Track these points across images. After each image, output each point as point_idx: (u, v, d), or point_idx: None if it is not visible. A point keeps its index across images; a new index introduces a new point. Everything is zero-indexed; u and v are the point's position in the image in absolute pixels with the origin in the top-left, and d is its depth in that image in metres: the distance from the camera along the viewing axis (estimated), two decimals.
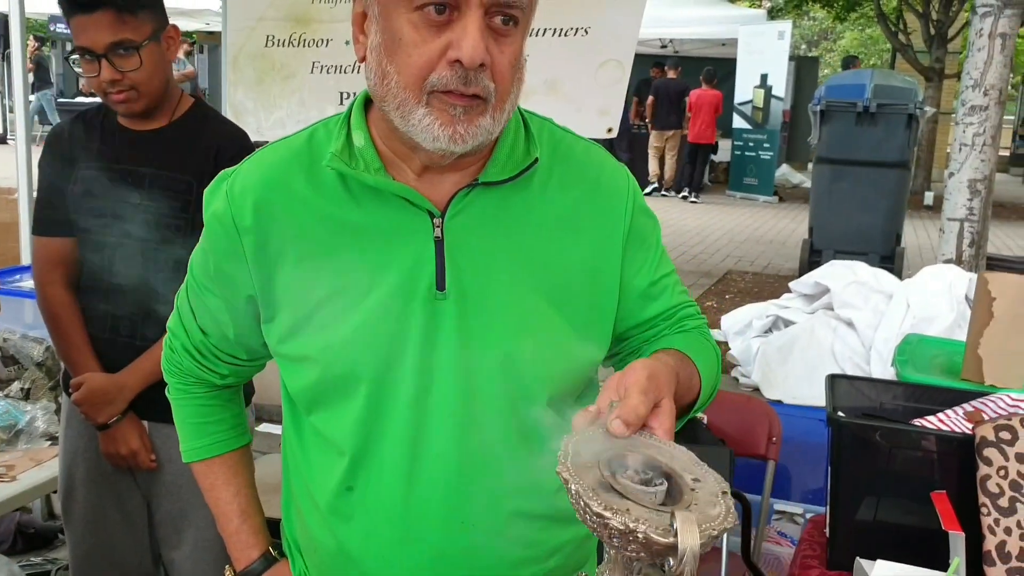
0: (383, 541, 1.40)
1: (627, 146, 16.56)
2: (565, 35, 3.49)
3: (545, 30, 3.44)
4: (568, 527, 1.44)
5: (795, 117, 18.24)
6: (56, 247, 2.45)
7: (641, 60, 16.56)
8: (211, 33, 17.36)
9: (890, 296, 4.65)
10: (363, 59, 1.31)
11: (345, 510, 1.42)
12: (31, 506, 3.97)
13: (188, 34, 17.45)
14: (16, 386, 3.10)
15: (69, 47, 2.38)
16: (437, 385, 1.33)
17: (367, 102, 1.39)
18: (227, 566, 1.65)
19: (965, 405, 2.17)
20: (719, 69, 17.07)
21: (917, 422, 2.15)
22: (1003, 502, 1.82)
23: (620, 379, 1.13)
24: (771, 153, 16.44)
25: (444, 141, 1.23)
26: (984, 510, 1.82)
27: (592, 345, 1.43)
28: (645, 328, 1.48)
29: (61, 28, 18.82)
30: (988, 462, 1.84)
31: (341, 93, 3.90)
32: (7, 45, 4.52)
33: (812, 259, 8.64)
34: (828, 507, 2.07)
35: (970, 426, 1.97)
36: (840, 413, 2.10)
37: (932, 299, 4.36)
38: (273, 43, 3.95)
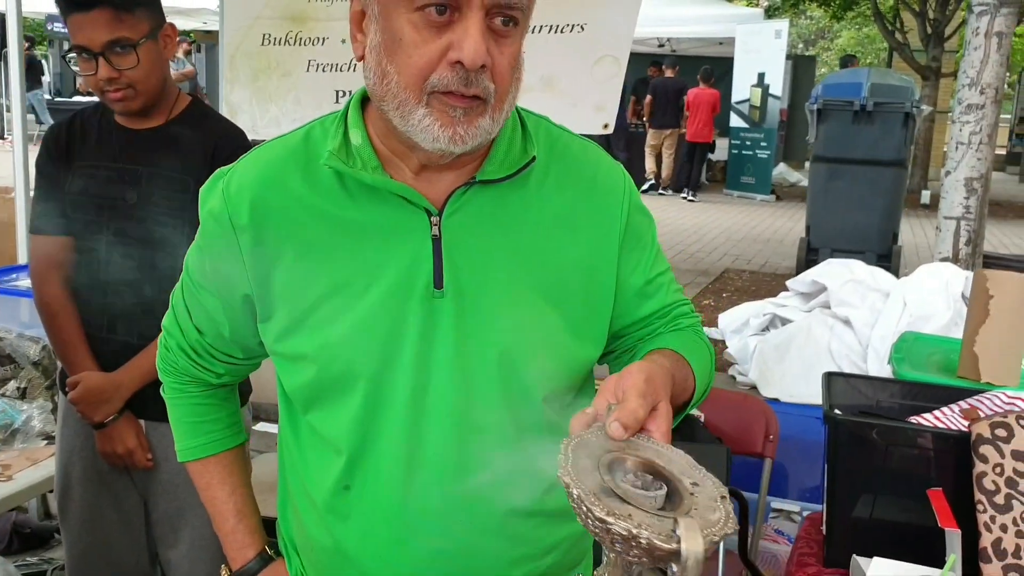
0: (380, 539, 1.40)
1: (624, 145, 16.54)
2: (561, 32, 3.49)
3: (542, 27, 3.44)
4: (564, 525, 1.45)
5: (792, 116, 18.22)
6: (53, 246, 2.44)
7: (639, 59, 16.61)
8: (208, 32, 17.37)
9: (887, 294, 4.67)
10: (361, 58, 1.30)
11: (342, 509, 1.42)
12: (27, 506, 3.96)
13: (185, 33, 17.44)
14: (12, 385, 3.09)
15: (66, 46, 2.37)
16: (434, 383, 1.34)
17: (364, 100, 1.39)
18: (223, 565, 1.65)
19: (961, 403, 2.17)
20: (716, 68, 17.08)
21: (913, 420, 2.16)
22: (999, 499, 1.82)
23: (617, 382, 1.13)
24: (768, 152, 16.44)
25: (444, 142, 1.24)
26: (980, 507, 1.83)
27: (588, 343, 1.44)
28: (640, 326, 1.49)
29: (58, 27, 18.78)
30: (984, 459, 1.84)
31: (337, 91, 3.90)
32: (4, 44, 4.50)
33: (809, 258, 8.65)
34: (825, 505, 2.07)
35: (966, 423, 1.98)
36: (837, 411, 2.10)
37: (929, 297, 4.37)
38: (269, 41, 3.95)
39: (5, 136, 13.90)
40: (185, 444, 1.63)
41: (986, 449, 1.84)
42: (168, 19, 2.40)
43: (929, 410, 2.18)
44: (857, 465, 2.03)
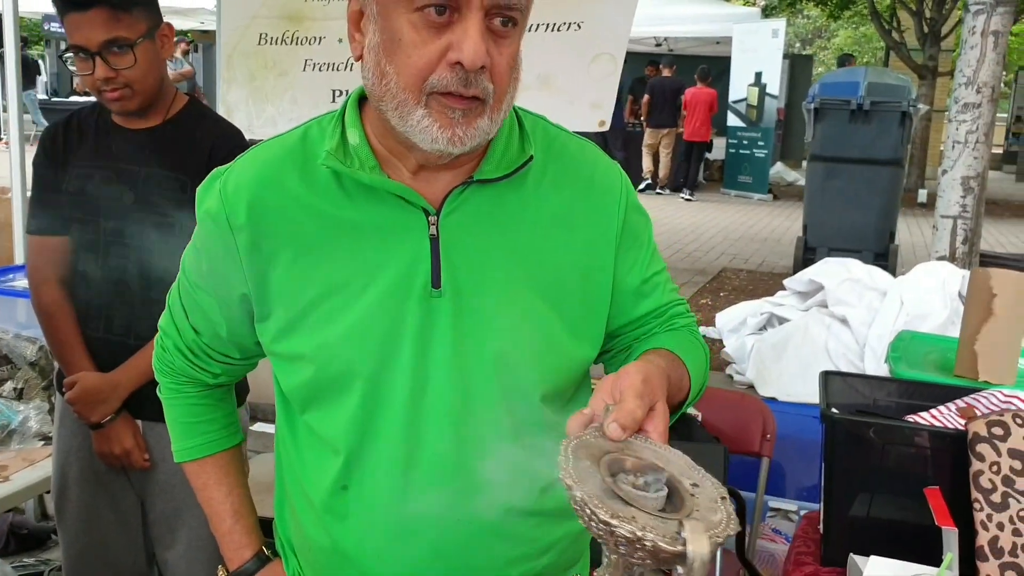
0: (378, 539, 1.40)
1: (622, 144, 16.55)
2: (558, 30, 3.49)
3: (538, 25, 3.45)
4: (562, 524, 1.45)
5: (789, 115, 18.25)
6: (50, 246, 2.44)
7: (636, 58, 16.62)
8: (205, 32, 17.35)
9: (884, 293, 4.67)
10: (359, 58, 1.30)
11: (340, 509, 1.41)
12: (24, 507, 3.96)
13: (183, 33, 17.43)
14: (9, 386, 3.09)
15: (63, 46, 2.37)
16: (432, 382, 1.34)
17: (361, 99, 1.39)
18: (220, 566, 1.65)
19: (958, 401, 2.17)
20: (713, 67, 17.07)
21: (910, 418, 2.16)
22: (996, 497, 1.82)
23: (614, 382, 1.14)
24: (765, 151, 16.44)
25: (442, 143, 1.24)
26: (977, 506, 1.83)
27: (585, 342, 1.44)
28: (636, 326, 1.49)
29: (55, 27, 18.76)
30: (981, 458, 1.84)
31: (334, 91, 3.90)
32: (0, 44, 4.50)
33: (806, 257, 8.65)
34: (822, 503, 2.07)
35: (963, 422, 1.98)
36: (834, 410, 2.11)
37: (925, 296, 4.38)
38: (266, 41, 3.95)
39: (1, 137, 13.86)
40: (181, 444, 1.63)
41: (983, 447, 1.85)
42: (165, 19, 2.40)
43: (926, 408, 2.18)
44: (854, 464, 2.03)
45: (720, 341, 5.56)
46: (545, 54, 3.41)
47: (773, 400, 4.38)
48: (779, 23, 16.53)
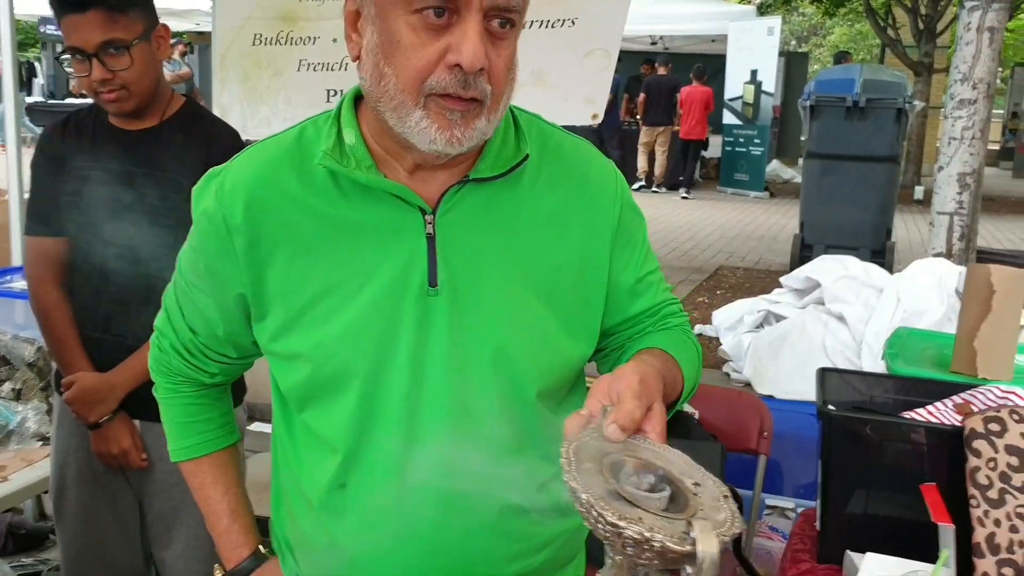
0: (376, 537, 1.40)
1: (618, 143, 16.57)
2: (552, 26, 3.49)
3: (532, 22, 3.44)
4: (559, 520, 1.44)
5: (785, 113, 18.25)
6: (48, 247, 2.45)
7: (631, 57, 16.65)
8: (201, 33, 17.33)
9: (880, 290, 4.67)
10: (357, 58, 1.31)
11: (338, 507, 1.42)
12: (22, 507, 3.96)
13: (178, 34, 17.41)
14: (7, 386, 3.09)
15: (59, 48, 2.37)
16: (429, 381, 1.34)
17: (357, 99, 1.39)
18: (217, 565, 1.65)
19: (955, 397, 2.17)
20: (709, 65, 17.08)
21: (907, 415, 2.16)
22: (992, 494, 1.82)
23: (611, 383, 1.14)
24: (761, 149, 16.45)
25: (441, 144, 1.24)
26: (973, 502, 1.83)
27: (581, 340, 1.44)
28: (630, 324, 1.50)
29: (51, 30, 18.76)
30: (977, 454, 1.84)
31: (328, 91, 3.90)
32: None
33: (803, 254, 8.65)
34: (819, 501, 2.07)
35: (959, 418, 1.98)
36: (831, 407, 2.11)
37: (922, 293, 4.38)
38: (260, 41, 3.95)
39: None
40: (178, 444, 1.63)
41: (979, 444, 1.85)
42: (161, 20, 2.40)
43: (923, 405, 2.18)
44: (851, 461, 2.03)
45: (717, 339, 5.56)
46: (539, 51, 3.41)
47: (770, 398, 4.38)
48: (774, 21, 16.53)
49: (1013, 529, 1.80)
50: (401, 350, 1.33)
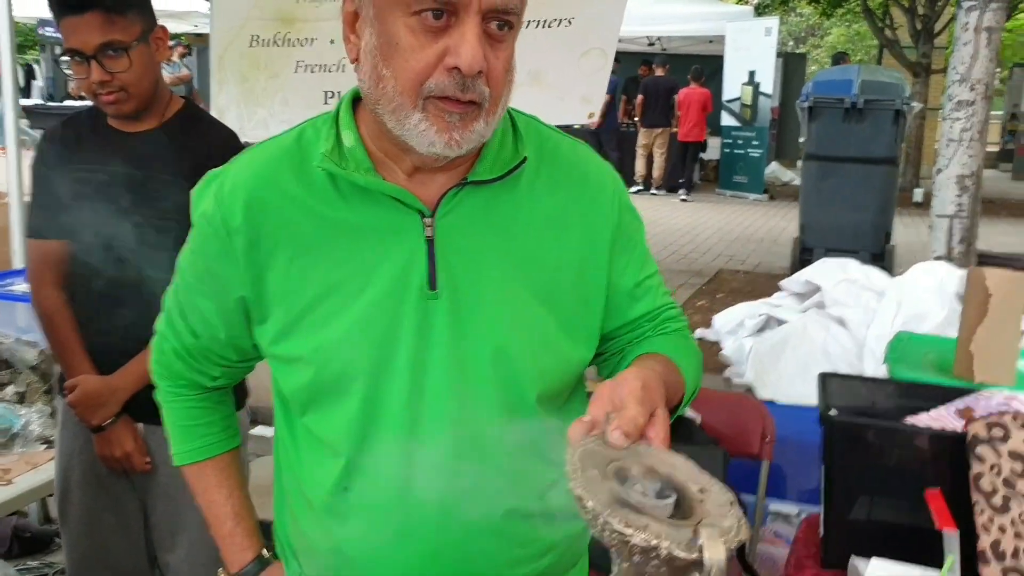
0: (379, 540, 1.39)
1: (616, 145, 16.57)
2: (549, 26, 3.49)
3: (529, 22, 3.43)
4: (562, 525, 1.44)
5: (784, 114, 18.25)
6: (49, 250, 2.45)
7: (629, 58, 16.63)
8: (199, 35, 17.33)
9: (881, 294, 4.68)
10: (355, 60, 1.30)
11: (341, 510, 1.41)
12: (27, 510, 3.96)
13: (176, 36, 17.41)
14: (11, 390, 3.09)
15: (58, 50, 2.37)
16: (430, 384, 1.34)
17: (355, 101, 1.39)
18: (220, 569, 1.64)
19: (957, 402, 2.17)
20: (706, 66, 17.07)
21: (909, 420, 2.15)
22: (996, 500, 1.82)
23: (613, 388, 1.13)
24: (760, 151, 16.46)
25: (439, 147, 1.24)
26: (977, 508, 1.82)
27: (581, 343, 1.44)
28: (629, 329, 1.49)
29: (50, 32, 18.76)
30: (981, 460, 1.84)
31: (325, 92, 3.89)
32: None
33: (803, 257, 8.66)
34: (822, 506, 2.07)
35: (962, 423, 1.98)
36: (833, 412, 2.10)
37: (923, 296, 4.38)
38: (257, 43, 3.94)
39: None
40: (180, 448, 1.63)
41: (983, 449, 1.84)
42: (159, 22, 2.40)
43: (925, 410, 2.18)
44: (854, 466, 2.02)
45: (718, 343, 5.57)
46: (536, 51, 3.40)
47: (772, 402, 4.37)
48: (772, 21, 16.55)
49: (1018, 536, 1.80)
50: (401, 353, 1.33)
